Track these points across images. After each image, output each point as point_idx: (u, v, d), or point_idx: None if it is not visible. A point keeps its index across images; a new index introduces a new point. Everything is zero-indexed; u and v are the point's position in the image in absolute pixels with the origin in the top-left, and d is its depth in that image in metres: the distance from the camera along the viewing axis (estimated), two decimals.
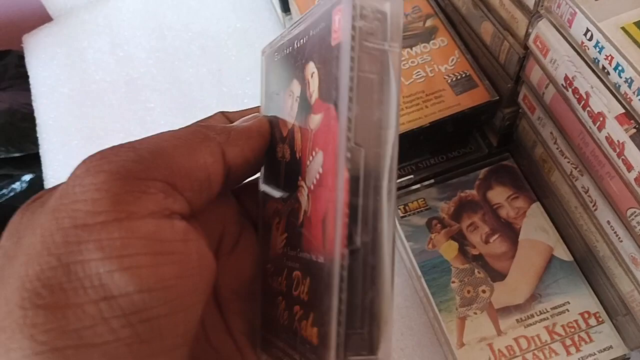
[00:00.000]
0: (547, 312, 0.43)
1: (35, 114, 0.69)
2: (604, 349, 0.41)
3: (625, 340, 0.41)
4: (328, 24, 0.23)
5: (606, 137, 0.33)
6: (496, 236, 0.46)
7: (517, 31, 0.40)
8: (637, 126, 0.31)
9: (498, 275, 0.44)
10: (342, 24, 0.21)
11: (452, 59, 0.46)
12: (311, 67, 0.24)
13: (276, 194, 0.28)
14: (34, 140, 0.67)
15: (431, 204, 0.48)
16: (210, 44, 0.68)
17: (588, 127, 0.35)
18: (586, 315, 0.42)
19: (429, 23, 0.49)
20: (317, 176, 0.23)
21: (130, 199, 0.21)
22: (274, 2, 0.66)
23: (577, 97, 0.35)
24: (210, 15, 0.70)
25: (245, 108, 0.31)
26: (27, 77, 0.72)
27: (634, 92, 0.30)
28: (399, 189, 0.48)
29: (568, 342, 0.42)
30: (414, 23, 0.49)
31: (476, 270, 0.44)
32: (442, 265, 0.45)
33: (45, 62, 0.72)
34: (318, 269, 0.21)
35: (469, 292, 0.44)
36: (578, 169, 0.39)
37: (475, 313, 0.43)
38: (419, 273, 0.45)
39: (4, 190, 0.84)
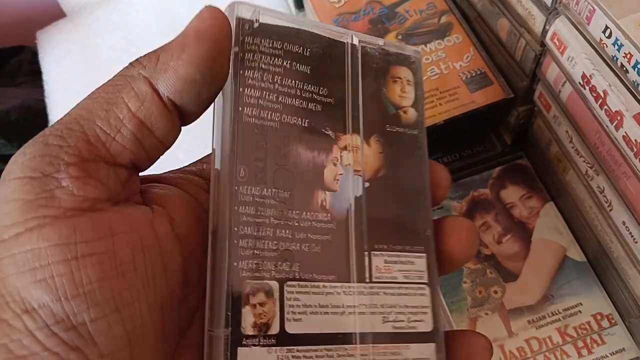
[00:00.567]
0: (559, 313, 0.42)
1: (48, 110, 0.69)
2: (616, 352, 0.41)
3: (638, 342, 0.41)
4: None
5: (623, 136, 0.33)
6: (509, 236, 0.45)
7: (534, 28, 0.39)
8: None
9: (510, 276, 0.44)
10: None
11: (467, 56, 0.46)
12: None
13: None
14: None
15: (443, 203, 0.47)
16: None
17: (605, 126, 0.34)
18: (599, 317, 0.42)
19: (443, 20, 0.48)
20: None
21: (41, 202, 0.20)
22: None
23: (595, 95, 0.34)
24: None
25: None
26: (41, 73, 0.72)
27: None
28: None
29: (580, 344, 0.41)
30: (429, 20, 0.48)
31: (488, 271, 0.44)
32: None
33: (59, 58, 0.72)
34: None
35: (480, 292, 0.43)
36: (593, 169, 0.39)
37: (487, 314, 0.43)
38: None
39: None
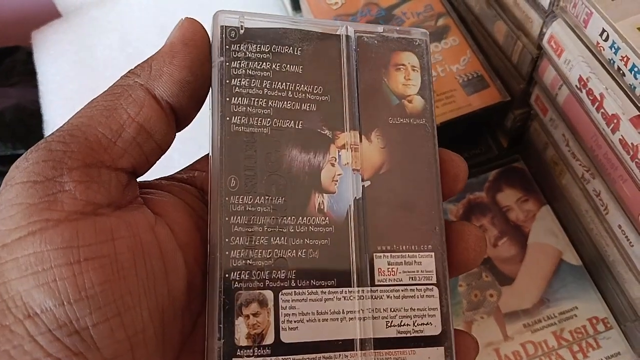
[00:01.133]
0: (555, 317, 0.42)
1: (43, 111, 0.69)
2: (612, 356, 0.41)
3: (633, 346, 0.41)
4: None
5: (620, 139, 0.33)
6: (505, 239, 0.45)
7: (531, 31, 0.39)
8: None
9: (506, 279, 0.44)
10: None
11: (464, 59, 0.46)
12: None
13: None
14: (40, 137, 0.67)
15: None
16: None
17: (602, 129, 0.34)
18: (594, 321, 0.42)
19: (440, 22, 0.48)
20: None
21: (44, 205, 0.20)
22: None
23: (591, 98, 0.34)
24: None
25: None
26: (35, 73, 0.72)
27: None
28: None
29: (575, 348, 0.41)
30: (426, 22, 0.48)
31: (484, 274, 0.44)
32: None
33: (54, 58, 0.72)
34: None
35: (476, 296, 0.43)
36: (590, 172, 0.39)
37: (482, 317, 0.42)
38: None
39: None
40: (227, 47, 0.25)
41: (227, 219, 0.23)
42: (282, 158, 0.25)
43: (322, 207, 0.25)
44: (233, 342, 0.22)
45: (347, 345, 0.24)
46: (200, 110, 0.26)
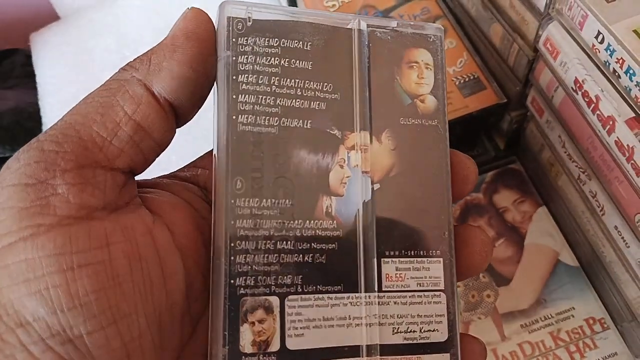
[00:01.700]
0: (552, 317, 0.42)
1: (42, 113, 0.69)
2: (609, 356, 0.41)
3: (630, 347, 0.41)
4: None
5: (615, 141, 0.33)
6: (502, 240, 0.45)
7: (527, 33, 0.39)
8: None
9: (503, 280, 0.44)
10: None
11: (461, 61, 0.46)
12: None
13: None
14: None
15: None
16: None
17: (597, 131, 0.35)
18: (591, 321, 0.42)
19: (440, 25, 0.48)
20: None
21: (36, 210, 0.19)
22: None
23: (587, 100, 0.34)
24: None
25: None
26: (34, 75, 0.72)
27: None
28: None
29: (572, 348, 0.41)
30: None
31: (481, 275, 0.44)
32: None
33: (52, 61, 0.72)
34: None
35: (473, 296, 0.43)
36: (586, 173, 0.39)
37: (480, 318, 0.43)
38: None
39: None
40: (233, 40, 0.23)
41: (232, 222, 0.22)
42: (290, 159, 0.23)
43: (329, 211, 0.24)
44: (238, 350, 0.22)
45: (353, 351, 0.23)
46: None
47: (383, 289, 0.24)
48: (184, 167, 0.27)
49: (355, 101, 0.25)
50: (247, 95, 0.23)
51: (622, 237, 0.37)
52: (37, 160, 0.20)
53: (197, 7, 0.23)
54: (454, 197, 0.26)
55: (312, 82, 0.24)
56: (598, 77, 0.34)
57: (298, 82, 0.24)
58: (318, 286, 0.23)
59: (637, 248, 0.35)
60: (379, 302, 0.24)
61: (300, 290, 0.23)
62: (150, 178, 0.26)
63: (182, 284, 0.22)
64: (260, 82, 0.23)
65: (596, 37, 0.33)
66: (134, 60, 0.23)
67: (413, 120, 0.26)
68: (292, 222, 0.23)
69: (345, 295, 0.23)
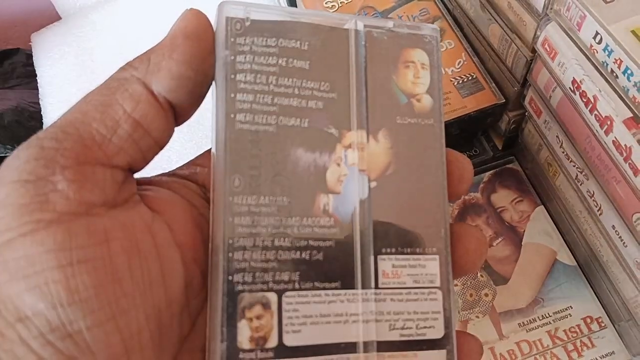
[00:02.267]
0: (550, 316, 0.43)
1: (42, 113, 0.69)
2: (606, 355, 0.41)
3: (627, 346, 0.41)
4: None
5: (613, 141, 0.33)
6: (500, 239, 0.46)
7: (525, 34, 0.40)
8: None
9: (501, 279, 0.44)
10: None
11: (459, 62, 0.46)
12: None
13: None
14: None
15: None
16: None
17: (595, 131, 0.35)
18: (589, 320, 0.42)
19: (436, 25, 0.49)
20: None
21: (36, 206, 0.19)
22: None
23: (585, 100, 0.35)
24: None
25: None
26: (35, 75, 0.72)
27: None
28: None
29: (570, 347, 0.41)
30: None
31: (479, 273, 0.44)
32: None
33: (53, 61, 0.72)
34: None
35: (471, 295, 0.44)
36: (583, 173, 0.39)
37: (478, 317, 0.43)
38: None
39: None
40: (232, 40, 0.23)
41: (230, 219, 0.22)
42: (287, 157, 0.24)
43: (327, 208, 0.24)
44: (236, 345, 0.22)
45: (349, 347, 0.23)
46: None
47: (380, 286, 0.24)
48: (183, 165, 0.27)
49: (352, 100, 0.25)
50: (245, 94, 0.23)
51: (620, 237, 0.37)
52: (37, 157, 0.20)
53: (196, 7, 0.23)
54: (450, 196, 0.26)
55: (309, 82, 0.25)
56: (596, 77, 0.34)
57: (296, 81, 0.24)
58: (315, 283, 0.23)
59: (635, 248, 0.35)
60: (375, 299, 0.24)
61: (298, 286, 0.23)
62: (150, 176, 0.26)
63: (181, 280, 0.22)
64: (258, 81, 0.24)
65: (594, 38, 0.33)
66: (134, 59, 0.23)
67: (409, 119, 0.26)
68: (289, 219, 0.23)
69: (342, 292, 0.24)
